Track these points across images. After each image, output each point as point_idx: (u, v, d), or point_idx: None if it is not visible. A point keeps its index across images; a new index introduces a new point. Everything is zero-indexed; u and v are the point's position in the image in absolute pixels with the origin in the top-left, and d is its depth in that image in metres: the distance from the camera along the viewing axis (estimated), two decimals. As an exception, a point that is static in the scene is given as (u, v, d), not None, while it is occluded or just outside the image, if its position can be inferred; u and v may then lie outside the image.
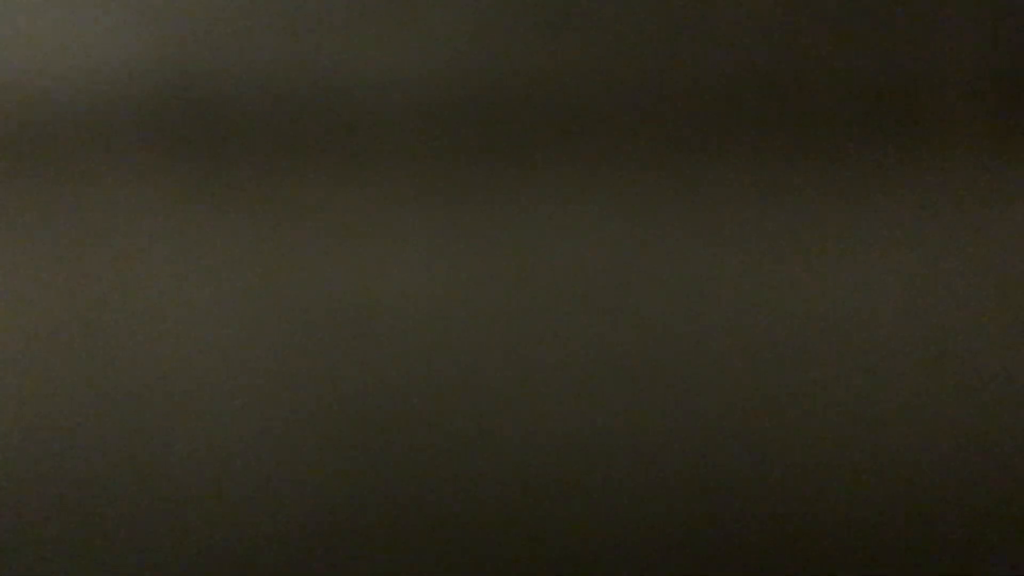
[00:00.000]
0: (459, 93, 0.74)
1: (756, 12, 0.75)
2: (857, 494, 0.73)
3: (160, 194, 0.74)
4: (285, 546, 0.73)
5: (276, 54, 0.74)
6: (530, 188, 0.74)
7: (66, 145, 0.74)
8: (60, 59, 0.74)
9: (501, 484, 0.73)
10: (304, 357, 0.73)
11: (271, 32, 0.74)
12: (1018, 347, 0.74)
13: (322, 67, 0.74)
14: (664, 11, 0.75)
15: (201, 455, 0.73)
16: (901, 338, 0.74)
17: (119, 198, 0.74)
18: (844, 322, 0.74)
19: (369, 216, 0.74)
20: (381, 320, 0.74)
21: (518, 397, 0.73)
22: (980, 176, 0.74)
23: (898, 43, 0.75)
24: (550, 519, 0.73)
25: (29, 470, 0.73)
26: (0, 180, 0.74)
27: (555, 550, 0.73)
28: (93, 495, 0.73)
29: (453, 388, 0.73)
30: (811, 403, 0.74)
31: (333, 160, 0.74)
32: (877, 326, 0.74)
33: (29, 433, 0.73)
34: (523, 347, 0.74)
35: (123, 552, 0.73)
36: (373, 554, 0.73)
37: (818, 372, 0.74)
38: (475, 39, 0.74)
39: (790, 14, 0.75)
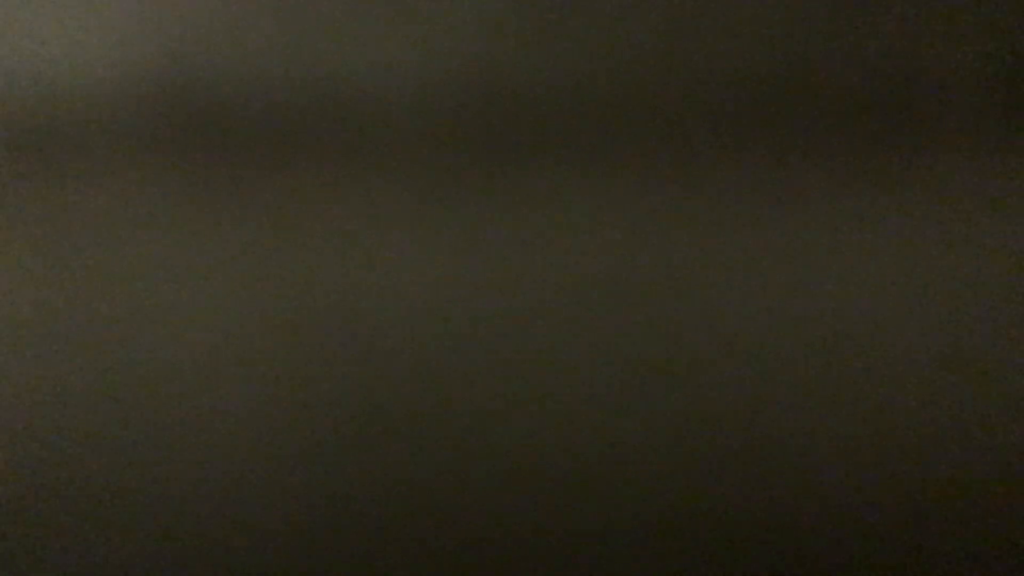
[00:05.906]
0: (458, 93, 0.74)
1: (756, 12, 0.75)
2: (862, 495, 0.73)
3: (160, 194, 0.74)
4: (280, 543, 0.73)
5: (276, 54, 0.74)
6: (529, 188, 0.74)
7: (67, 145, 0.74)
8: (61, 60, 0.74)
9: (496, 483, 0.73)
10: (302, 356, 0.74)
11: (271, 33, 0.75)
12: (1021, 347, 0.74)
13: (322, 67, 0.74)
14: (664, 11, 0.75)
15: (198, 453, 0.73)
16: (905, 338, 0.74)
17: (119, 198, 0.74)
18: (847, 322, 0.74)
19: (368, 216, 0.74)
20: (380, 319, 0.74)
21: (515, 396, 0.73)
22: (982, 176, 0.74)
23: (898, 42, 0.75)
24: (546, 519, 0.73)
25: (28, 469, 0.73)
26: (1, 179, 0.74)
27: (551, 550, 0.73)
28: (91, 494, 0.73)
29: (450, 387, 0.73)
30: (814, 404, 0.74)
31: (332, 160, 0.74)
32: (880, 326, 0.74)
33: (28, 432, 0.73)
34: (521, 347, 0.74)
35: (120, 549, 0.73)
36: (366, 551, 0.73)
37: (820, 372, 0.74)
38: (475, 39, 0.75)
39: (790, 14, 0.75)
